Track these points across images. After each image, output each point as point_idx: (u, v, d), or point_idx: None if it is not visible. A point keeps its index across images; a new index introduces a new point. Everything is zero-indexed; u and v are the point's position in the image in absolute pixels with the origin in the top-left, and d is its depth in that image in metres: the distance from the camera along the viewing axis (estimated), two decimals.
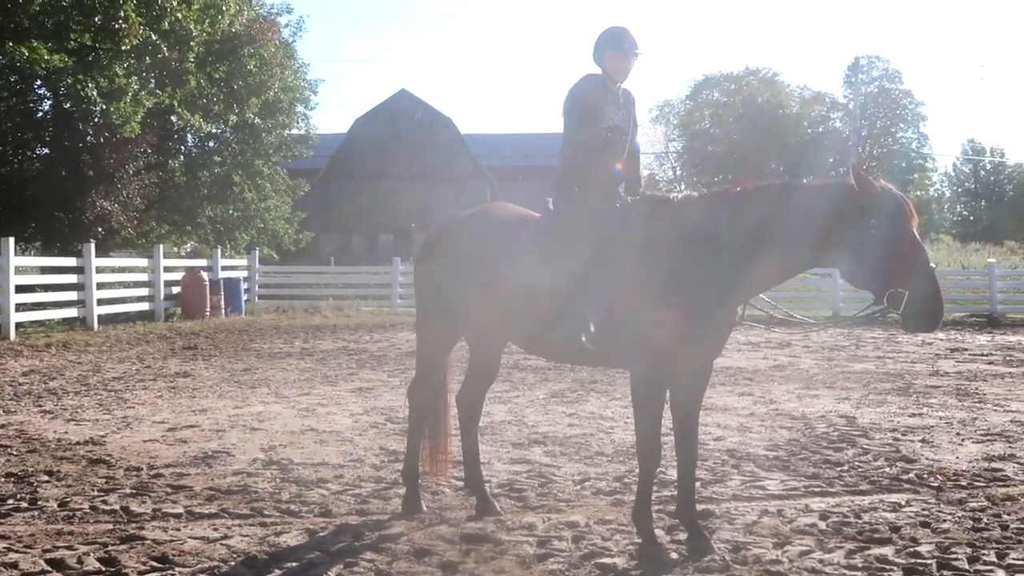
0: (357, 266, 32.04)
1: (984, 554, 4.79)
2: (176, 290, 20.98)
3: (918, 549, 4.85)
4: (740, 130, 63.88)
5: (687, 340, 4.63)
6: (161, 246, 21.56)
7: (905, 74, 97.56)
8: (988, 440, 7.74)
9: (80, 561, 4.59)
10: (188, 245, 30.63)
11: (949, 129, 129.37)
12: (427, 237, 5.89)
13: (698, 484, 5.53)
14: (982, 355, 14.49)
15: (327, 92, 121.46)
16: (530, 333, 5.19)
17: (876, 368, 12.62)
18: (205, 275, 21.52)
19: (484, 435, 7.05)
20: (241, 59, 24.35)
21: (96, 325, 17.79)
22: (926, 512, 5.54)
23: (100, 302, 18.37)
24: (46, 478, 6.24)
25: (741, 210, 4.68)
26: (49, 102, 22.94)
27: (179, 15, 19.16)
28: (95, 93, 18.94)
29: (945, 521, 5.36)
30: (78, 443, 7.39)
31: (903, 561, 4.67)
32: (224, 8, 21.19)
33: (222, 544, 4.87)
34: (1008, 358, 14.10)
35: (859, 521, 5.34)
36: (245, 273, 24.47)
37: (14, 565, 4.53)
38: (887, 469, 6.63)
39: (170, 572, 4.48)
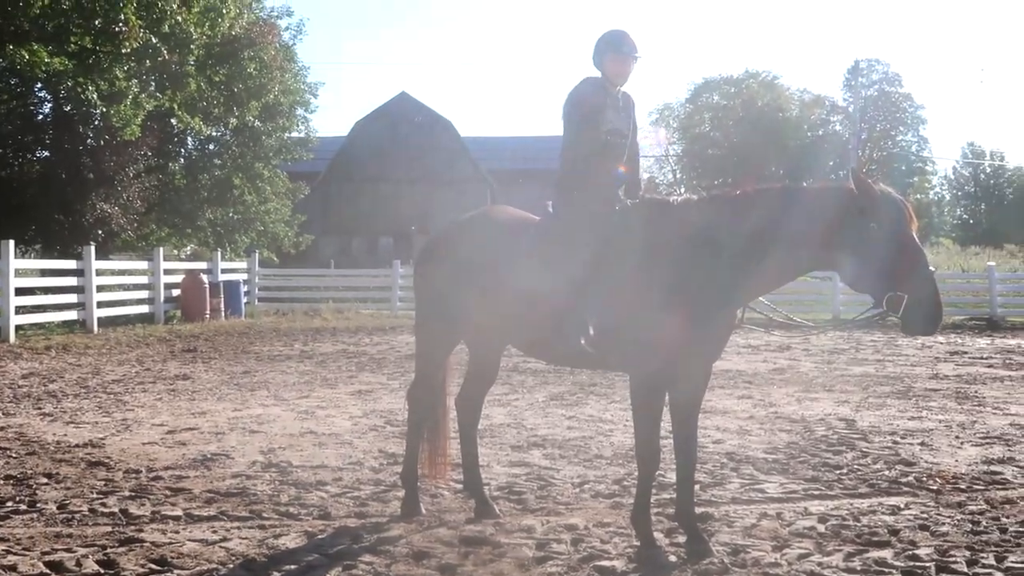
0: (357, 269, 32.07)
1: (983, 557, 4.79)
2: (176, 293, 20.98)
3: (917, 552, 4.84)
4: (740, 133, 64.03)
5: (687, 343, 4.63)
6: (161, 249, 21.54)
7: (905, 77, 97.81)
8: (987, 443, 7.73)
9: (79, 564, 4.59)
10: (188, 248, 30.68)
11: (949, 132, 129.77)
12: (427, 240, 5.90)
13: (697, 487, 5.53)
14: (982, 358, 14.48)
15: (327, 95, 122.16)
16: (530, 336, 5.19)
17: (875, 371, 12.62)
18: (205, 278, 21.51)
19: (483, 438, 7.04)
20: (241, 62, 24.38)
21: (96, 328, 17.78)
22: (925, 515, 5.54)
23: (100, 305, 18.36)
24: (45, 480, 6.25)
25: (741, 213, 4.68)
26: (49, 105, 22.97)
27: (179, 18, 19.19)
28: (95, 96, 18.94)
29: (944, 524, 5.36)
30: (77, 445, 7.39)
31: (902, 564, 4.67)
32: (224, 11, 21.18)
33: (221, 546, 4.87)
34: (1008, 361, 14.09)
35: (858, 524, 5.33)
36: (245, 276, 24.45)
37: (13, 568, 4.53)
38: (886, 472, 6.63)
39: (169, 574, 4.48)
